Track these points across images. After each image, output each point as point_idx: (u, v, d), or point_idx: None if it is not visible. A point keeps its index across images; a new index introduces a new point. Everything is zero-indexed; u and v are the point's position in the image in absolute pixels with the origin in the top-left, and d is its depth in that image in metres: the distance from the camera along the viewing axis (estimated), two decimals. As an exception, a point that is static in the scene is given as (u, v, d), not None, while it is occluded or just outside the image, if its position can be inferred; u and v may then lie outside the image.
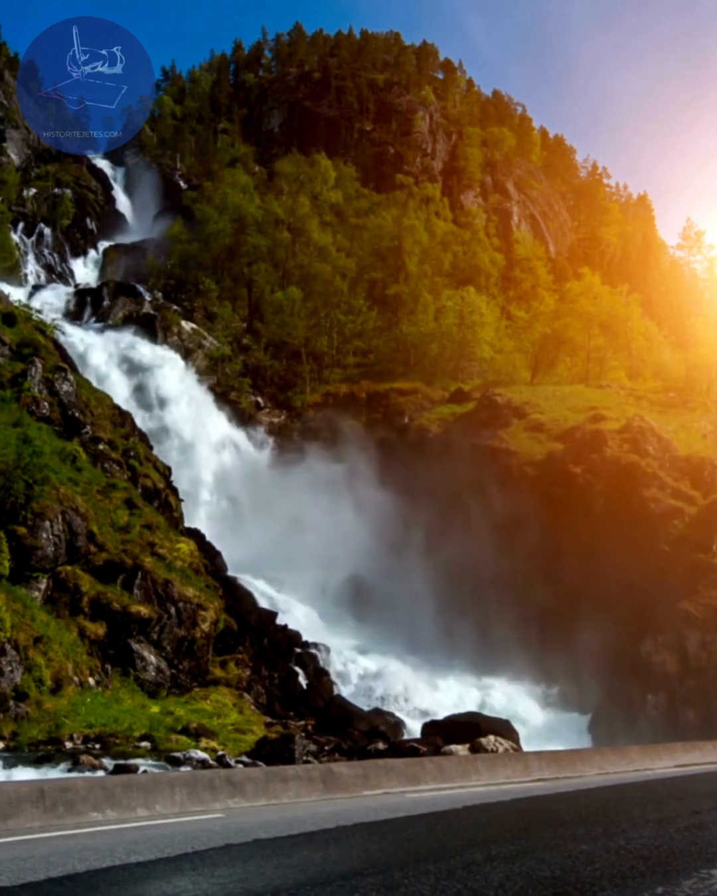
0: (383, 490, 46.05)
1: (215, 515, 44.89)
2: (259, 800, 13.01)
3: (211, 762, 21.90)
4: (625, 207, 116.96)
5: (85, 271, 73.67)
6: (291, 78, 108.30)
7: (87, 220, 79.47)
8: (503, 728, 27.25)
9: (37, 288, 63.47)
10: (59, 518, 28.43)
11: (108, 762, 20.37)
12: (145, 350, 52.32)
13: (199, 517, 42.83)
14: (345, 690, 33.29)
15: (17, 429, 29.90)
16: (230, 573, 37.25)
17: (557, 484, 42.45)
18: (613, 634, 35.28)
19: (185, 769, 20.41)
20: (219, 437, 50.40)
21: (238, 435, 51.96)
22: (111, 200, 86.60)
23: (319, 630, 37.18)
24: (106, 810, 11.21)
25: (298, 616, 37.08)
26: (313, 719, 30.21)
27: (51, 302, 59.53)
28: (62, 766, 19.55)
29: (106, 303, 61.11)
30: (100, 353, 50.71)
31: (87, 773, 18.36)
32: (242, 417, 53.16)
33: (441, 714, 30.07)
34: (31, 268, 68.38)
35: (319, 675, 33.03)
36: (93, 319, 59.06)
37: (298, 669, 33.02)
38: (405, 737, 29.19)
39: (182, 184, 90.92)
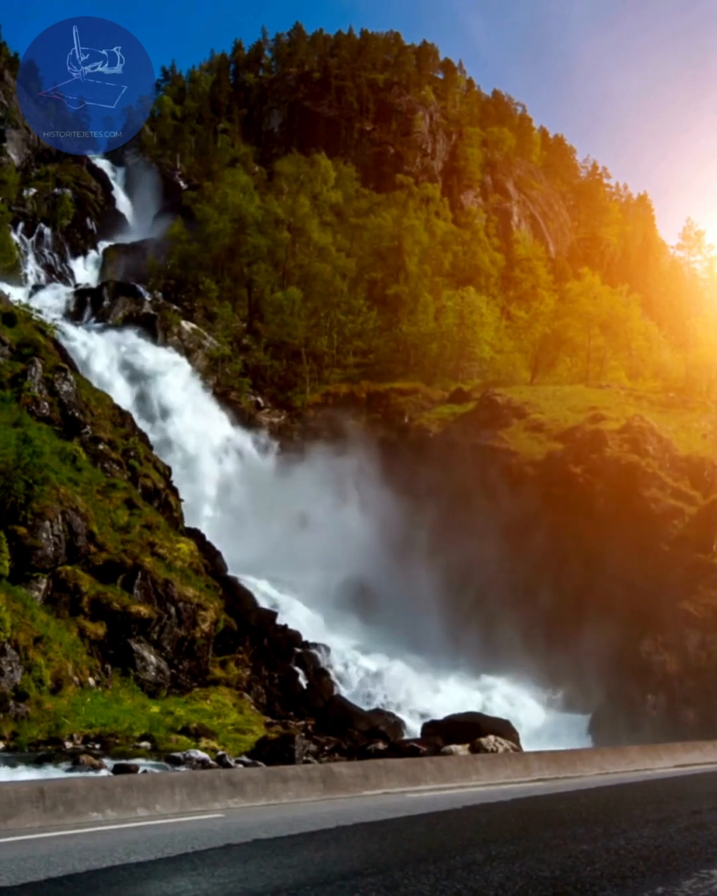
0: (385, 490, 46.02)
1: (217, 521, 44.70)
2: (259, 800, 13.01)
3: (211, 762, 21.90)
4: (625, 207, 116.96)
5: (85, 271, 73.67)
6: (291, 78, 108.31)
7: (88, 220, 79.47)
8: (503, 728, 27.25)
9: (37, 288, 63.46)
10: (59, 518, 28.43)
11: (109, 762, 20.38)
12: (148, 354, 52.05)
13: (201, 526, 42.52)
14: (345, 691, 33.27)
15: (17, 429, 29.91)
16: (231, 573, 37.25)
17: (557, 484, 42.44)
18: (614, 635, 35.26)
19: (185, 769, 20.41)
20: (221, 444, 50.19)
21: (241, 440, 51.66)
22: (111, 200, 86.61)
23: (322, 630, 37.16)
24: (106, 810, 11.21)
25: (300, 617, 37.05)
26: (313, 719, 30.22)
27: (51, 302, 59.51)
28: (62, 766, 19.56)
29: (106, 303, 61.11)
30: (102, 357, 50.50)
31: (88, 773, 18.36)
32: (244, 419, 53.03)
33: (442, 715, 30.05)
34: (31, 268, 68.38)
35: (319, 676, 33.04)
36: (93, 319, 59.05)
37: (298, 669, 33.03)
38: (405, 737, 29.19)
39: (182, 184, 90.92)
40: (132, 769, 19.46)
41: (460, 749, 23.98)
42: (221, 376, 55.36)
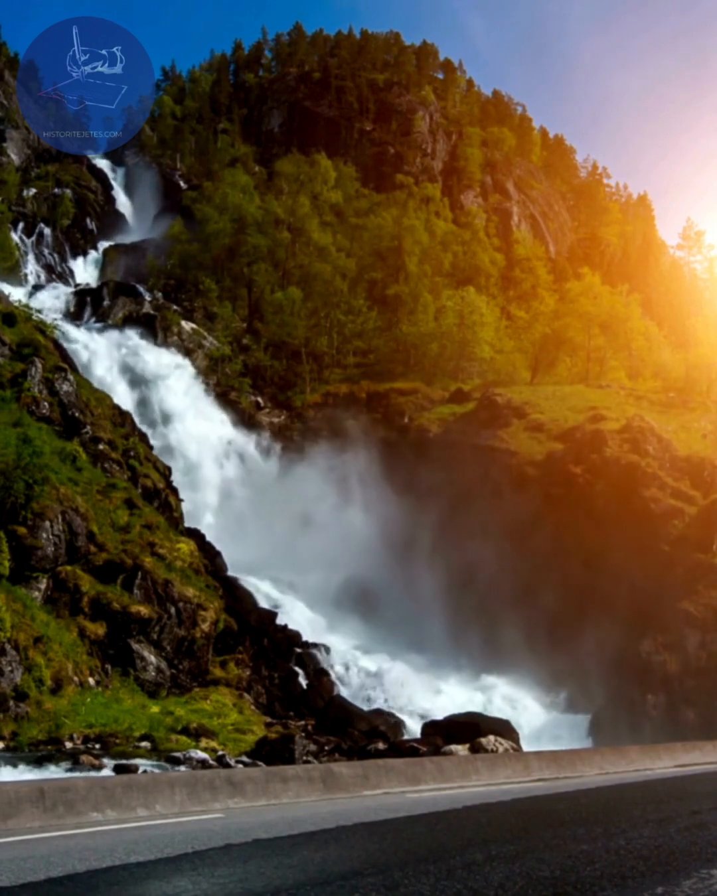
0: (387, 490, 45.99)
1: (219, 526, 44.54)
2: (259, 800, 13.01)
3: (211, 762, 21.90)
4: (625, 207, 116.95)
5: (85, 271, 73.67)
6: (291, 78, 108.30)
7: (88, 220, 79.49)
8: (503, 728, 27.25)
9: (37, 288, 63.46)
10: (59, 518, 28.44)
11: (109, 762, 20.38)
12: (149, 357, 51.87)
13: (203, 530, 42.37)
14: (346, 691, 33.26)
15: (17, 429, 29.91)
16: (231, 573, 37.24)
17: (557, 484, 42.44)
18: (614, 635, 35.23)
19: (185, 769, 20.42)
20: (223, 449, 50.08)
21: (243, 442, 51.48)
22: (111, 200, 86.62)
23: (323, 631, 37.14)
24: (106, 810, 11.21)
25: (302, 618, 37.04)
26: (313, 719, 30.22)
27: (51, 302, 59.49)
28: (62, 766, 19.56)
29: (106, 303, 61.10)
30: (103, 360, 50.30)
31: (88, 773, 18.36)
32: (245, 419, 52.91)
33: (443, 715, 30.04)
34: (31, 268, 68.39)
35: (319, 675, 33.04)
36: (93, 319, 59.03)
37: (298, 669, 33.03)
38: (405, 737, 29.19)
39: (182, 184, 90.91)
40: (132, 769, 19.46)
41: (460, 749, 23.99)
42: (221, 376, 55.36)
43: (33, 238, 71.34)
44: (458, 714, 29.37)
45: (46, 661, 24.51)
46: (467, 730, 26.47)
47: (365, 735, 28.62)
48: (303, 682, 32.59)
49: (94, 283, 68.43)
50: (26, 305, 47.33)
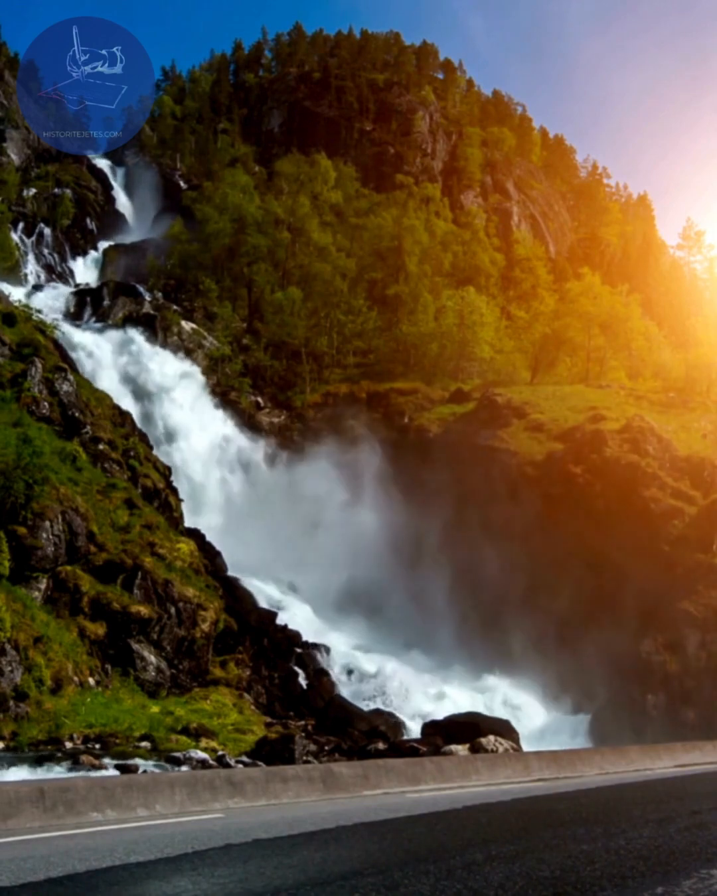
0: (390, 491, 45.90)
1: (220, 529, 44.39)
2: (259, 800, 13.01)
3: (211, 762, 21.90)
4: (625, 207, 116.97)
5: (85, 271, 73.67)
6: (291, 78, 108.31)
7: (87, 220, 79.51)
8: (503, 728, 27.26)
9: (37, 288, 63.45)
10: (59, 518, 28.44)
11: (109, 762, 20.38)
12: (154, 365, 51.31)
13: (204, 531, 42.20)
14: (346, 691, 33.24)
15: (17, 429, 29.91)
16: (231, 573, 37.22)
17: (557, 484, 42.42)
18: (614, 635, 35.23)
19: (185, 769, 20.42)
20: (224, 449, 49.89)
21: (244, 442, 51.24)
22: (111, 200, 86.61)
23: (325, 631, 37.09)
24: (106, 810, 11.21)
25: (304, 618, 36.99)
26: (313, 719, 30.22)
27: (51, 302, 59.44)
28: (62, 765, 19.56)
29: (106, 303, 61.10)
30: (108, 370, 49.88)
31: (88, 773, 18.36)
32: (245, 420, 52.69)
33: (443, 715, 30.04)
34: (31, 268, 68.40)
35: (319, 675, 33.03)
36: (93, 319, 59.02)
37: (298, 669, 33.02)
38: (405, 737, 29.19)
39: (182, 184, 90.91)
40: (132, 769, 19.47)
41: (460, 749, 23.99)
42: (221, 376, 55.36)
43: (33, 238, 71.35)
44: (458, 714, 29.38)
45: (46, 661, 24.51)
46: (467, 730, 26.48)
47: (365, 735, 28.62)
48: (303, 682, 32.59)
49: (94, 283, 68.42)
50: (26, 305, 47.28)
